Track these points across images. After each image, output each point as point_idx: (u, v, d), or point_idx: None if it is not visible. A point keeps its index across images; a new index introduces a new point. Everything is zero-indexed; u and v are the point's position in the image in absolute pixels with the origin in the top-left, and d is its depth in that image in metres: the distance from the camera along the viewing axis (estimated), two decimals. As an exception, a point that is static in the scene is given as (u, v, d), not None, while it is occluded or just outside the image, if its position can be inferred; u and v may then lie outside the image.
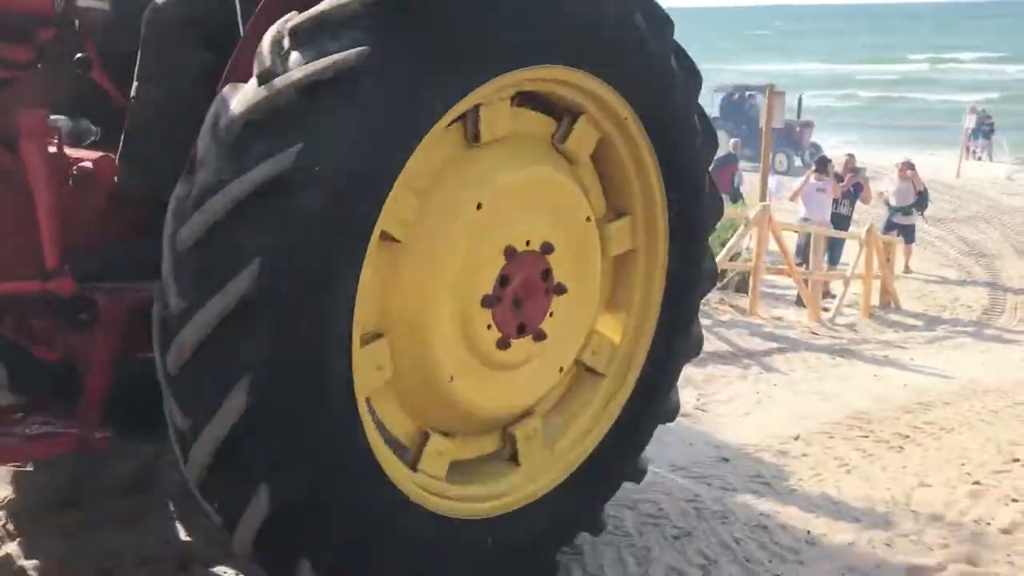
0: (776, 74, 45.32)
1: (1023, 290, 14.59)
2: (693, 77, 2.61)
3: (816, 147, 24.06)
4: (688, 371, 5.57)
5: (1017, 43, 73.89)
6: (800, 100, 26.97)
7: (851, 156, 15.23)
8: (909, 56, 70.66)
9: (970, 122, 26.34)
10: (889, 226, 14.11)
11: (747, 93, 25.97)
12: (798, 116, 25.98)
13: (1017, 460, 4.24)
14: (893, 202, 14.71)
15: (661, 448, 3.98)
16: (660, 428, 4.26)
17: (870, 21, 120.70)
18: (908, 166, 15.03)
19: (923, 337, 10.50)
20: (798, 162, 24.09)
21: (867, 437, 4.53)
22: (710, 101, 27.41)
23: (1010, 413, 5.43)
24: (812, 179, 13.22)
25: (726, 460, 3.92)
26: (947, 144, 25.72)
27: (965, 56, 69.07)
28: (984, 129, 26.78)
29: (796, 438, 4.39)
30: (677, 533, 3.07)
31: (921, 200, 14.96)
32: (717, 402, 5.02)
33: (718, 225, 10.75)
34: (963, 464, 4.12)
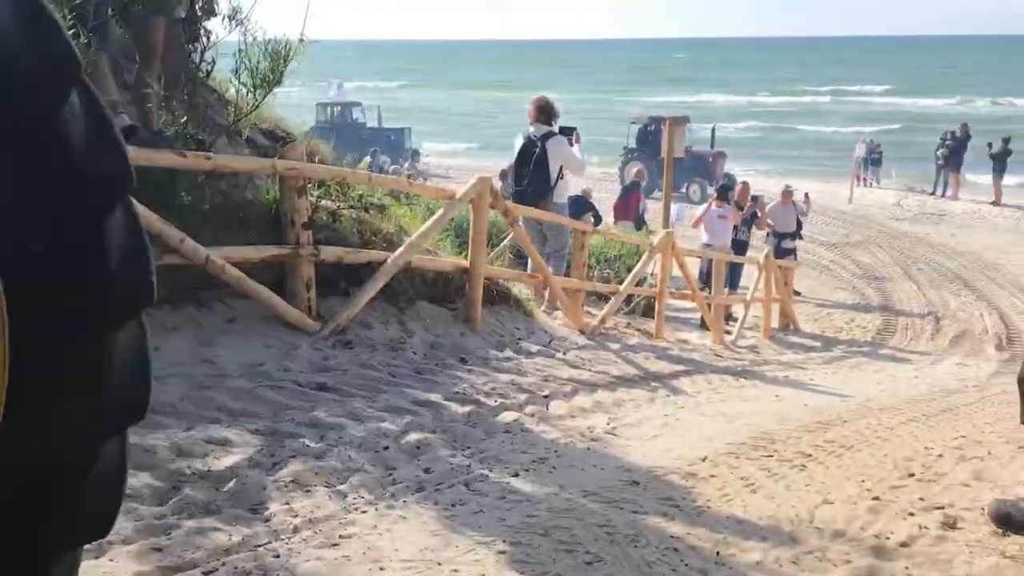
0: (684, 106, 47.29)
1: (912, 311, 15.25)
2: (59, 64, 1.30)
3: (729, 177, 24.96)
4: (599, 396, 5.64)
5: (908, 77, 78.36)
6: (713, 131, 28.41)
7: (746, 184, 15.79)
8: (809, 88, 74.09)
9: (860, 151, 27.58)
10: (778, 251, 14.60)
11: (662, 124, 26.98)
12: (712, 146, 27.18)
13: (912, 475, 4.39)
14: (777, 228, 15.27)
15: (573, 474, 3.99)
16: (572, 454, 4.28)
17: (772, 55, 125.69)
18: (788, 193, 15.75)
19: (821, 358, 10.85)
20: (711, 191, 24.91)
21: (771, 456, 4.62)
22: (626, 132, 28.32)
23: (904, 430, 5.63)
24: (714, 206, 13.58)
25: (637, 483, 3.94)
26: (842, 173, 26.87)
27: (858, 88, 72.61)
28: (874, 157, 28.06)
29: (704, 459, 4.45)
30: (590, 559, 3.07)
31: (798, 226, 15.74)
32: (627, 425, 5.06)
33: (624, 252, 10.88)
34: (863, 480, 4.24)
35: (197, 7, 5.58)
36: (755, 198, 15.07)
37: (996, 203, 24.13)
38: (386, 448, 3.93)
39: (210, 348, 4.71)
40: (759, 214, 15.02)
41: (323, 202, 5.84)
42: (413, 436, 4.11)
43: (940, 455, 4.84)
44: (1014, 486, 4.16)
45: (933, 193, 25.78)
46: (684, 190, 24.47)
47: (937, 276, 17.47)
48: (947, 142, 25.08)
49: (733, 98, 67.68)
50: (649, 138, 26.25)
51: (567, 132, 8.54)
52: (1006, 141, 24.18)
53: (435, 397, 4.80)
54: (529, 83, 79.03)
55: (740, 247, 14.21)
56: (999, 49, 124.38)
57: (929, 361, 11.45)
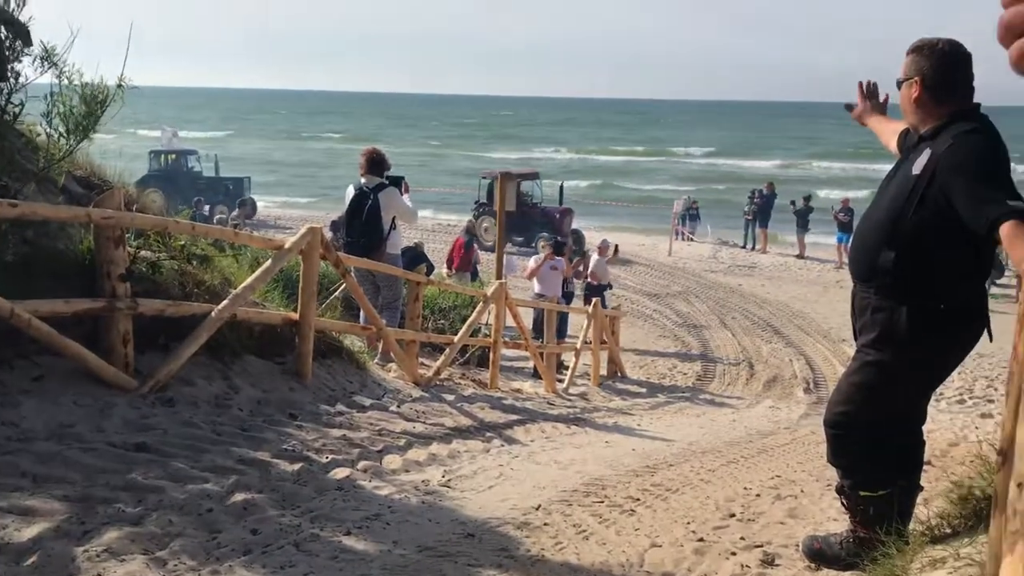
0: (518, 161, 48.62)
1: (729, 358, 16.10)
2: None
3: (578, 233, 25.49)
4: (434, 448, 5.59)
5: (723, 140, 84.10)
6: (561, 188, 28.56)
7: (577, 232, 16.45)
8: (635, 147, 78.05)
9: (679, 207, 29.17)
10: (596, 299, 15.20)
11: (515, 179, 27.16)
12: (560, 203, 27.41)
13: (733, 515, 4.58)
14: (594, 280, 15.93)
15: (408, 528, 3.92)
16: (406, 509, 4.21)
17: (602, 115, 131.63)
18: (605, 246, 16.57)
19: (647, 403, 11.24)
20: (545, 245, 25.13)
21: (602, 502, 4.71)
22: (476, 186, 28.47)
23: (725, 471, 5.89)
24: (547, 259, 13.96)
25: (472, 536, 3.92)
26: (662, 228, 28.27)
27: (679, 150, 77.10)
28: (691, 213, 29.72)
29: (537, 508, 4.48)
30: (425, 615, 3.01)
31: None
32: (462, 477, 5.04)
33: (459, 302, 10.96)
34: (688, 523, 4.39)
35: (5, 47, 5.23)
36: (584, 253, 15.69)
37: (800, 256, 26.03)
38: (210, 510, 3.73)
39: (13, 409, 4.35)
40: (586, 266, 15.61)
41: (143, 252, 5.56)
42: (239, 496, 3.92)
43: (758, 495, 5.09)
44: (825, 522, 4.42)
45: (744, 247, 27.52)
46: (534, 245, 24.71)
47: (750, 324, 18.55)
48: (755, 200, 26.91)
49: (568, 155, 70.30)
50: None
51: (395, 182, 8.56)
52: (807, 199, 26.23)
53: (262, 455, 4.61)
54: (362, 135, 79.46)
55: (568, 297, 14.66)
56: (807, 115, 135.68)
57: (745, 405, 12.09)
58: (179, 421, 4.85)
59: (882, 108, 3.80)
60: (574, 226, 26.85)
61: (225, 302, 5.60)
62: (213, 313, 5.47)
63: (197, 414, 5.04)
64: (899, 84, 3.34)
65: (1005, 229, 2.77)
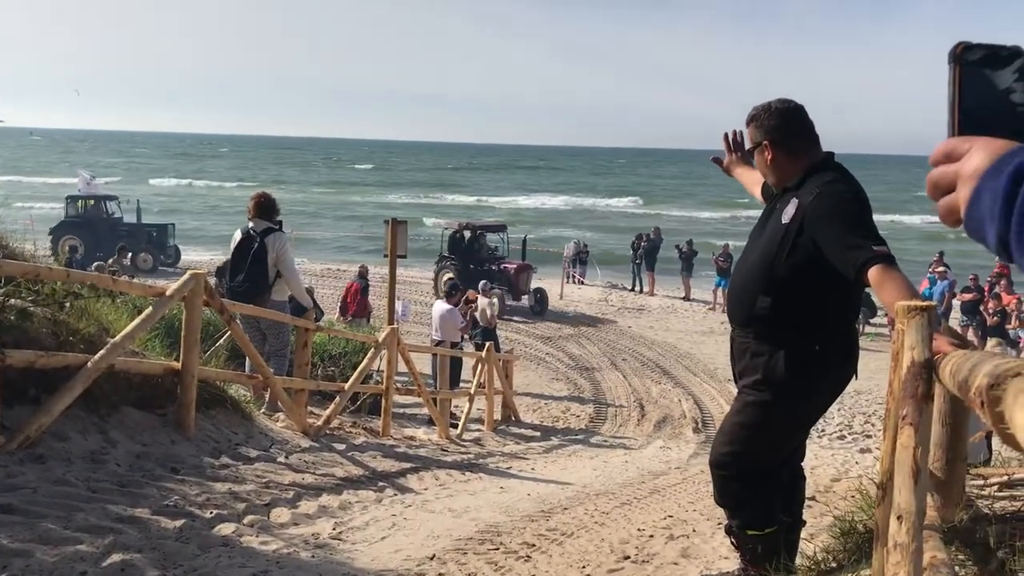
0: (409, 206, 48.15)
1: (620, 399, 16.32)
2: None
3: (541, 292, 24.16)
4: (324, 500, 5.44)
5: (607, 184, 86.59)
6: (524, 242, 26.42)
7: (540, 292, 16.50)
8: (542, 193, 79.01)
9: (569, 251, 29.65)
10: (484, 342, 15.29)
11: (478, 231, 25.68)
12: (523, 258, 25.52)
13: (628, 557, 4.61)
14: (482, 322, 16.02)
15: (297, 585, 3.78)
16: (295, 564, 4.07)
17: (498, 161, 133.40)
18: (488, 288, 16.76)
19: (541, 447, 11.25)
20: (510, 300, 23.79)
21: (497, 549, 4.67)
22: (440, 237, 26.65)
23: (619, 513, 5.93)
24: (444, 303, 13.97)
25: (364, 589, 3.81)
26: (554, 272, 28.55)
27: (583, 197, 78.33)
28: (581, 257, 30.21)
29: (431, 558, 4.40)
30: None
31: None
32: (353, 529, 4.91)
33: (350, 348, 10.78)
34: (584, 567, 4.39)
35: None
36: (470, 300, 15.77)
37: (687, 299, 26.76)
38: (83, 574, 3.51)
39: None
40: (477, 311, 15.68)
41: (12, 300, 5.26)
42: (116, 557, 3.70)
43: (651, 536, 5.14)
44: (717, 561, 4.48)
45: (633, 289, 28.11)
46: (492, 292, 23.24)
47: (640, 365, 18.88)
48: (642, 243, 27.61)
49: (462, 198, 70.75)
50: (462, 245, 25.28)
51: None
52: (690, 243, 27.08)
53: (141, 512, 4.38)
54: (270, 179, 77.92)
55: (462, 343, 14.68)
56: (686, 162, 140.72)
57: (637, 445, 12.24)
58: (50, 479, 4.57)
59: (748, 158, 3.95)
60: (535, 284, 24.88)
61: (102, 352, 5.34)
62: (89, 364, 5.21)
63: (70, 470, 4.76)
64: (750, 152, 3.53)
65: (872, 274, 2.94)
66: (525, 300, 24.23)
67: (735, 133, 3.95)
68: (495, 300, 16.47)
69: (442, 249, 26.01)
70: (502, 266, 24.62)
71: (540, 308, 23.92)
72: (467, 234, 25.50)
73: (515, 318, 23.12)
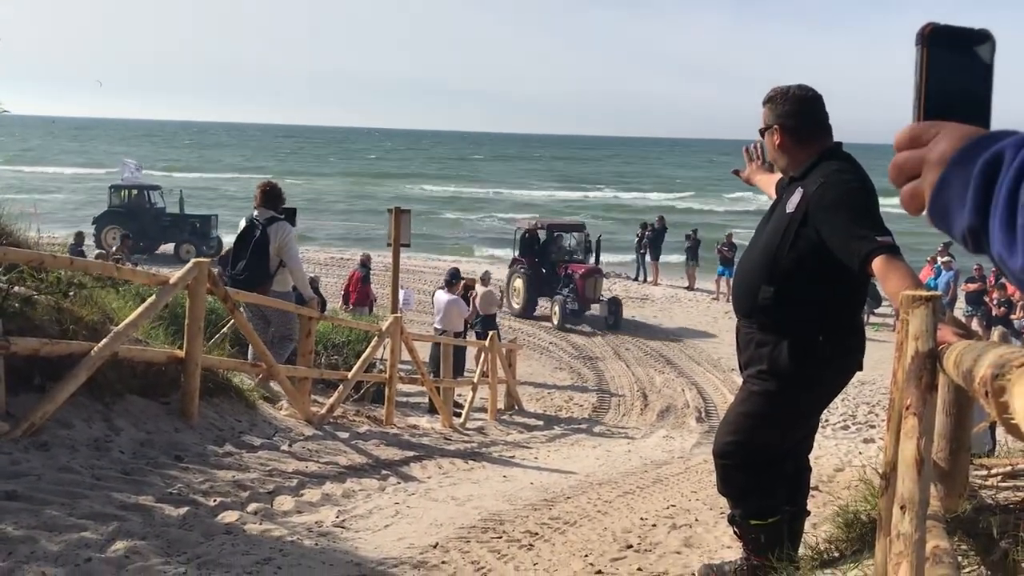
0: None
1: (623, 389, 16.33)
2: None
3: (615, 302, 21.56)
4: (328, 488, 5.45)
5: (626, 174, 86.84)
6: (598, 242, 23.57)
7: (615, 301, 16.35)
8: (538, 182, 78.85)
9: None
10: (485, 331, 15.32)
11: (555, 233, 23.08)
12: (596, 260, 22.91)
13: (631, 546, 4.61)
14: (481, 310, 16.03)
15: (301, 572, 3.80)
16: (299, 552, 4.08)
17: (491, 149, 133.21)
18: (487, 277, 16.72)
19: (544, 436, 11.27)
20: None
21: (500, 538, 4.68)
22: (513, 239, 24.16)
23: (621, 502, 5.94)
24: (446, 293, 13.96)
25: (367, 577, 3.82)
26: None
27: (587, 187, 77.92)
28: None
29: (435, 546, 4.41)
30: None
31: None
32: (356, 517, 4.92)
33: (353, 337, 10.77)
34: (586, 555, 4.40)
35: None
36: (468, 286, 15.74)
37: (690, 288, 26.73)
38: (88, 560, 3.52)
39: None
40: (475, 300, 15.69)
41: (16, 288, 5.27)
42: (120, 544, 3.72)
43: (654, 525, 5.14)
44: (719, 550, 4.49)
45: (636, 279, 28.08)
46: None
47: (643, 355, 18.88)
48: (647, 232, 27.55)
49: (475, 189, 70.45)
50: (535, 246, 22.40)
51: (290, 214, 8.41)
52: (695, 232, 27.04)
53: (145, 500, 4.39)
54: (283, 169, 77.53)
55: (466, 331, 14.70)
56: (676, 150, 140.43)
57: (640, 435, 12.25)
58: (54, 466, 4.58)
59: (769, 167, 3.94)
60: (608, 292, 22.17)
61: (106, 340, 5.35)
62: (93, 351, 5.22)
63: (75, 458, 4.78)
64: (762, 133, 3.51)
65: (876, 264, 2.92)
66: (596, 309, 21.34)
67: (755, 145, 3.96)
68: (494, 289, 16.42)
69: (514, 251, 23.34)
70: (568, 269, 21.59)
71: (614, 320, 21.04)
72: (541, 234, 22.69)
73: (583, 328, 20.88)
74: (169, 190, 30.61)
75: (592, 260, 22.53)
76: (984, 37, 0.91)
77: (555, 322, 21.09)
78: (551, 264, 21.98)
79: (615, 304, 21.30)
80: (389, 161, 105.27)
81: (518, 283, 22.16)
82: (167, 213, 29.27)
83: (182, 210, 29.57)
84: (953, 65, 0.91)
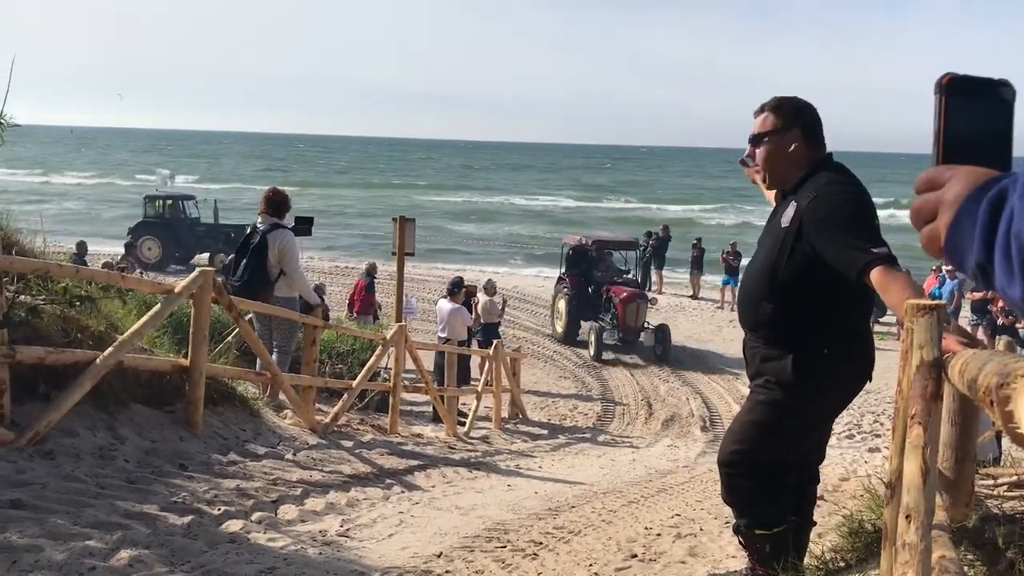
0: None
1: (627, 398, 16.30)
2: None
3: (663, 329, 19.67)
4: (332, 497, 5.44)
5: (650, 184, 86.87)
6: (648, 262, 23.64)
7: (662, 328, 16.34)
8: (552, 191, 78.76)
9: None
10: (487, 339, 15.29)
11: (606, 250, 21.26)
12: (642, 284, 22.53)
13: (635, 556, 4.60)
14: (483, 319, 16.01)
15: (304, 582, 3.79)
16: (303, 561, 4.08)
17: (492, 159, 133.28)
18: (491, 285, 16.69)
19: (548, 445, 11.25)
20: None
21: (505, 547, 4.67)
22: (560, 256, 22.02)
23: (626, 512, 5.92)
24: (449, 301, 13.97)
25: (371, 586, 3.81)
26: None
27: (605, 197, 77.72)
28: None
29: (439, 555, 4.41)
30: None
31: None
32: (361, 526, 4.92)
33: (357, 346, 10.78)
34: (591, 565, 4.38)
35: None
36: (470, 293, 15.76)
37: (695, 297, 26.72)
38: (92, 569, 3.52)
39: None
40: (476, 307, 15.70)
41: (21, 297, 5.28)
42: (124, 553, 3.72)
43: (659, 534, 5.13)
44: (724, 560, 4.47)
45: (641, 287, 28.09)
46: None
47: (647, 364, 18.85)
48: (651, 241, 27.56)
49: (483, 199, 70.31)
50: (583, 264, 20.63)
51: (306, 222, 8.43)
52: (699, 241, 27.06)
53: (150, 508, 4.40)
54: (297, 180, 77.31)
55: (469, 339, 14.70)
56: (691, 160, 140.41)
57: (644, 444, 12.23)
58: (59, 475, 4.59)
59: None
60: (651, 320, 19.60)
61: (111, 348, 5.36)
62: (98, 360, 5.23)
63: (79, 467, 4.78)
64: (761, 138, 3.40)
65: (875, 276, 2.91)
66: (643, 337, 19.23)
67: (750, 155, 3.94)
68: (497, 299, 16.39)
69: (561, 267, 21.41)
70: (610, 291, 19.49)
71: (662, 350, 18.89)
72: (591, 252, 20.64)
73: (626, 358, 18.92)
74: (203, 200, 30.57)
75: (640, 284, 21.18)
76: (1001, 85, 0.95)
77: (591, 352, 18.92)
78: (597, 284, 19.99)
79: (662, 332, 19.10)
80: (399, 172, 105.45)
81: (560, 304, 20.28)
82: (202, 223, 29.23)
83: (216, 220, 29.32)
84: (972, 112, 0.94)
